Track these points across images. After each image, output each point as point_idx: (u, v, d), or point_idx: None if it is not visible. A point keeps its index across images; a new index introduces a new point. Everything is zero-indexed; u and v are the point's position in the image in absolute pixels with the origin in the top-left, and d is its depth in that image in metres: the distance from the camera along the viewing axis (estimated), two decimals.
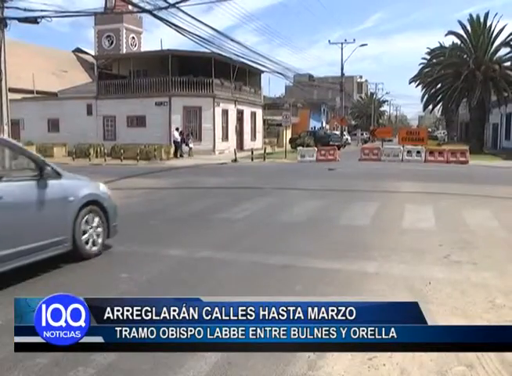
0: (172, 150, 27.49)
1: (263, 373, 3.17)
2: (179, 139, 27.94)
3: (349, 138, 52.98)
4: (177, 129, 28.31)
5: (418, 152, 25.71)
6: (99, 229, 6.05)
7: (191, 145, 28.55)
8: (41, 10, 18.13)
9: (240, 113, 35.13)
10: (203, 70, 30.35)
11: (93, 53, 45.99)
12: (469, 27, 35.97)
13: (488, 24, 35.31)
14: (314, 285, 4.91)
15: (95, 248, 5.97)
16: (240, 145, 34.48)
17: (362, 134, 62.16)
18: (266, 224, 8.23)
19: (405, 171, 19.08)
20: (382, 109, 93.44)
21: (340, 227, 7.90)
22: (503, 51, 35.78)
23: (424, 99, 39.31)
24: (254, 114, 37.69)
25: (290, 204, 10.37)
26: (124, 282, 5.04)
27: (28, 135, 29.70)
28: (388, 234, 7.30)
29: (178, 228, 7.88)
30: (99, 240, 6.06)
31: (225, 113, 32.64)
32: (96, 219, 6.00)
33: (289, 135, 39.36)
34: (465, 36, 36.20)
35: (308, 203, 10.49)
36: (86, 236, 5.82)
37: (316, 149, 27.62)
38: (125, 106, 30.80)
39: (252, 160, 25.84)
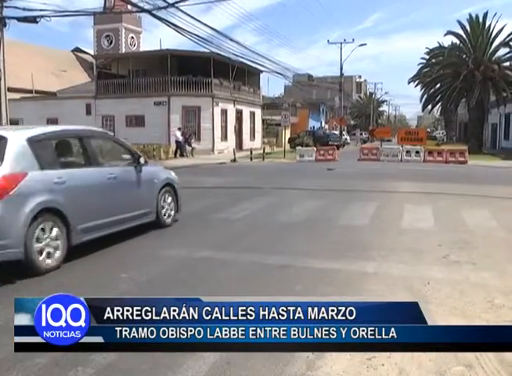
0: (172, 149, 27.42)
1: (262, 373, 3.17)
2: (181, 139, 27.83)
3: (348, 138, 53.02)
4: (179, 129, 28.16)
5: (417, 152, 25.72)
6: (172, 205, 7.86)
7: (194, 145, 28.50)
8: (40, 10, 18.17)
9: (239, 113, 35.10)
10: (202, 70, 30.32)
11: (92, 53, 45.86)
12: (468, 27, 36.04)
13: (488, 24, 35.43)
14: (314, 285, 4.91)
15: (168, 220, 7.79)
16: (239, 145, 34.45)
17: (361, 134, 62.20)
18: (265, 224, 8.24)
19: (404, 171, 19.08)
20: (381, 109, 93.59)
21: (339, 227, 7.90)
22: (502, 51, 35.95)
23: (423, 99, 39.37)
24: (253, 114, 37.66)
25: (289, 203, 10.36)
26: (124, 282, 5.04)
27: None
28: (387, 234, 7.30)
29: (177, 228, 7.88)
30: (172, 214, 7.87)
31: (224, 112, 32.62)
32: (169, 197, 7.82)
33: (288, 135, 39.43)
34: (464, 36, 36.26)
35: (307, 203, 10.49)
36: (164, 210, 7.64)
37: (315, 149, 27.60)
38: (124, 106, 30.74)
39: (251, 159, 25.81)
